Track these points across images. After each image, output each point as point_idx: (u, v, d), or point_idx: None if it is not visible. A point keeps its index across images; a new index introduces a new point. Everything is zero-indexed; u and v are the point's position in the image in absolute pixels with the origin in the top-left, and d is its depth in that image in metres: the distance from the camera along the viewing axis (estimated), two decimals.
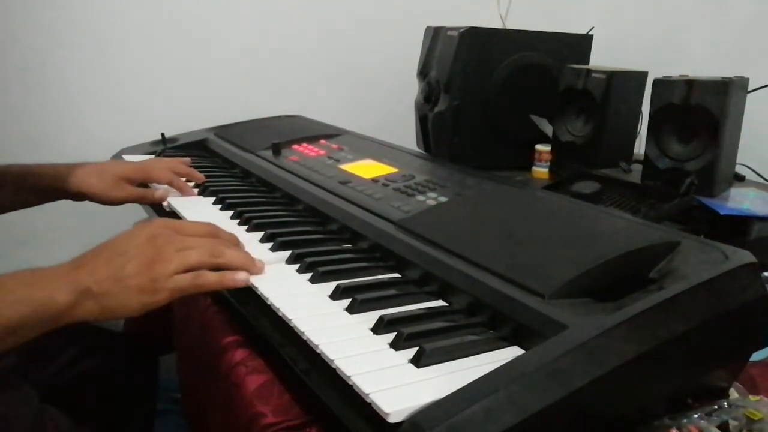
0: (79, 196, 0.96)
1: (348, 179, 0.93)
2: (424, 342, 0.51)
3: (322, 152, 1.11)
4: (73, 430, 0.81)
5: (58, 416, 0.80)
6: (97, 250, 0.63)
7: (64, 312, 0.57)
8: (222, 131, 1.35)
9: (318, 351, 0.52)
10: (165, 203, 0.96)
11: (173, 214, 0.92)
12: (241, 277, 0.65)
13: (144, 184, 1.01)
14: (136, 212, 1.08)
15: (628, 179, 1.04)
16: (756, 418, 0.53)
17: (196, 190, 1.01)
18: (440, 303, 0.63)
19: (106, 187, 0.94)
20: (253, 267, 0.67)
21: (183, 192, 0.99)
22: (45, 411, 0.79)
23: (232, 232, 0.72)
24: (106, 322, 0.61)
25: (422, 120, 1.29)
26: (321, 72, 1.65)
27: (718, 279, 0.55)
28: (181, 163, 1.05)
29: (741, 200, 0.95)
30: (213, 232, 0.69)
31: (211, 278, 0.64)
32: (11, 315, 0.55)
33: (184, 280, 0.62)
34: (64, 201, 0.98)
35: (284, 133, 1.24)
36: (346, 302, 0.61)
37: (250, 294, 0.66)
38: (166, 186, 0.99)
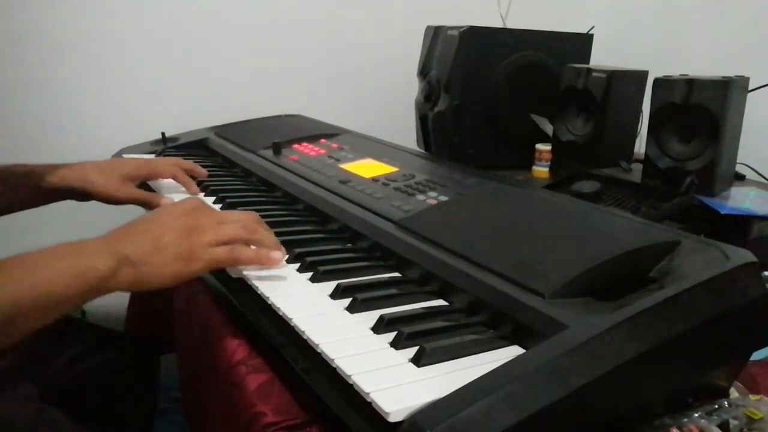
0: (84, 195, 0.95)
1: (348, 179, 0.93)
2: (424, 341, 0.51)
3: (322, 152, 1.11)
4: (74, 429, 0.81)
5: (58, 416, 0.81)
6: (133, 222, 0.64)
7: (105, 279, 0.57)
8: (222, 130, 1.35)
9: (318, 350, 0.52)
10: None
11: None
12: (276, 256, 0.67)
13: (148, 187, 1.01)
14: (135, 210, 1.08)
15: (628, 178, 1.04)
16: (756, 418, 0.53)
17: (199, 189, 1.01)
18: (440, 302, 0.63)
19: (112, 186, 0.94)
20: (279, 248, 0.69)
21: (187, 187, 0.98)
22: (45, 410, 0.79)
23: None
24: (141, 290, 0.62)
25: (422, 119, 1.29)
26: (321, 71, 1.65)
27: (718, 278, 0.55)
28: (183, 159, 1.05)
29: (741, 199, 0.95)
30: (254, 217, 0.71)
31: (248, 253, 0.66)
32: (54, 285, 0.55)
33: (221, 252, 0.64)
34: (68, 205, 0.97)
35: (285, 132, 1.24)
36: (347, 302, 0.61)
37: (250, 293, 0.66)
38: (170, 180, 0.99)
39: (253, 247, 0.68)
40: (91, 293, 0.58)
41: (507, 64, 1.22)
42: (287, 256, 0.71)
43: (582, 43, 1.30)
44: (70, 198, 0.96)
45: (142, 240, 0.61)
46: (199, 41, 1.51)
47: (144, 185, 1.01)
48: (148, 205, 0.97)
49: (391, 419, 0.43)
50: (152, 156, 1.19)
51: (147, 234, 0.61)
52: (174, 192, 0.98)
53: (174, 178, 0.99)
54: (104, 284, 0.58)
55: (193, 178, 1.02)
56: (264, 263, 0.67)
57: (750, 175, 1.12)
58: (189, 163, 1.03)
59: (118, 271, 0.58)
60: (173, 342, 0.98)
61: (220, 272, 0.74)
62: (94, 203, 0.97)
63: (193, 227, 0.63)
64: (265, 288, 0.64)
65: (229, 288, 0.71)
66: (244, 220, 0.68)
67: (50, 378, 0.94)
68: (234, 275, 0.69)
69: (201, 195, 0.99)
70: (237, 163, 1.16)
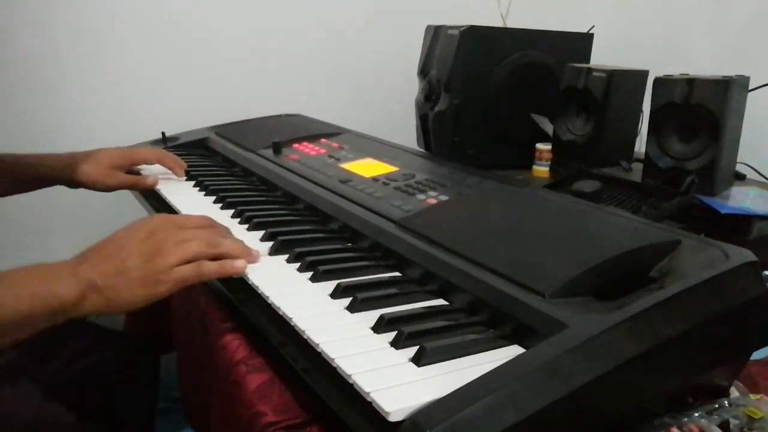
0: (74, 184, 1.01)
1: (348, 178, 0.93)
2: (424, 341, 0.51)
3: (322, 151, 1.11)
4: (73, 428, 0.81)
5: (58, 414, 0.81)
6: (98, 246, 0.64)
7: (71, 306, 0.59)
8: (222, 130, 1.35)
9: (318, 350, 0.52)
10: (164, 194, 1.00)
11: (172, 211, 0.92)
12: (239, 265, 0.67)
13: (136, 171, 1.07)
14: (135, 210, 1.08)
15: (628, 178, 1.04)
16: (757, 417, 0.53)
17: (184, 176, 1.07)
18: (441, 302, 0.63)
19: (100, 175, 1.00)
20: (249, 256, 0.69)
21: (172, 168, 1.05)
22: (45, 409, 0.79)
23: (225, 225, 0.74)
24: (112, 315, 0.62)
25: (423, 119, 1.29)
26: (321, 71, 1.65)
27: (718, 278, 0.55)
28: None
29: (742, 199, 0.95)
30: (208, 224, 0.71)
31: (212, 267, 0.66)
32: (19, 309, 0.56)
33: (187, 270, 0.64)
34: (63, 199, 1.01)
35: (285, 132, 1.24)
36: (347, 301, 0.61)
37: (250, 293, 0.66)
38: (156, 165, 1.05)
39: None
40: (57, 317, 0.59)
41: (507, 64, 1.22)
42: (260, 251, 0.72)
43: (582, 42, 1.30)
44: (59, 184, 1.02)
45: (107, 266, 0.61)
46: (199, 41, 1.51)
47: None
48: (136, 188, 1.04)
49: (392, 419, 0.43)
50: None
51: (111, 260, 0.62)
52: (160, 177, 1.04)
53: (160, 163, 1.05)
54: (70, 311, 0.59)
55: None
56: (228, 274, 0.67)
57: (750, 174, 1.12)
58: (172, 156, 1.09)
59: (84, 297, 0.59)
60: (173, 341, 0.98)
61: None
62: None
63: (156, 250, 0.63)
64: (265, 287, 0.64)
65: (229, 287, 0.71)
66: (207, 236, 0.68)
67: (50, 376, 0.95)
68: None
69: (190, 184, 1.04)
70: (237, 162, 1.16)
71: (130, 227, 0.67)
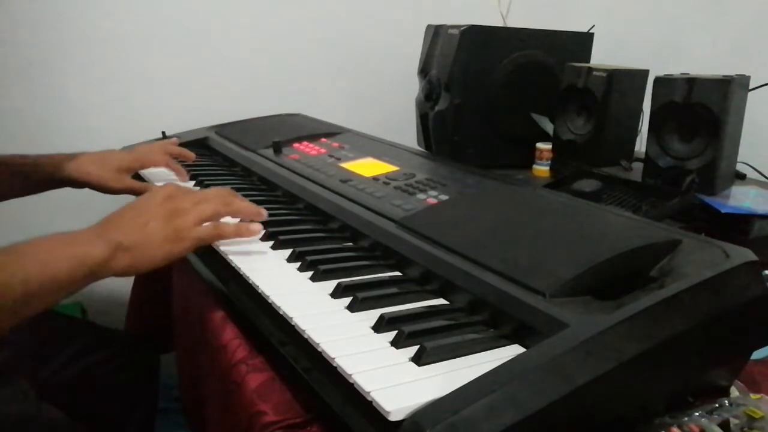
0: (79, 184, 1.01)
1: (349, 178, 0.93)
2: (424, 340, 0.51)
3: (322, 151, 1.11)
4: (73, 428, 0.81)
5: (56, 413, 0.81)
6: (119, 212, 0.69)
7: (102, 265, 0.63)
8: (223, 129, 1.35)
9: (319, 349, 0.52)
10: None
11: None
12: (255, 227, 0.74)
13: (142, 177, 1.07)
14: None
15: (628, 177, 1.04)
16: (757, 417, 0.53)
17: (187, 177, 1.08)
18: (441, 301, 0.63)
19: (106, 177, 1.00)
20: (259, 215, 0.76)
21: (178, 175, 1.05)
22: (43, 408, 0.79)
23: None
24: (138, 273, 0.68)
25: (423, 118, 1.29)
26: (322, 70, 1.65)
27: (719, 277, 0.55)
28: (171, 143, 1.13)
29: (742, 199, 0.95)
30: (228, 191, 0.77)
31: (229, 228, 0.72)
32: (59, 270, 0.60)
33: (205, 230, 0.70)
34: (66, 200, 1.00)
35: (285, 131, 1.24)
36: (347, 300, 0.61)
37: (250, 292, 0.66)
38: (163, 169, 1.06)
39: (234, 221, 0.75)
40: (92, 277, 0.63)
41: (507, 63, 1.22)
42: (264, 231, 0.77)
43: (583, 42, 1.30)
44: (67, 186, 1.02)
45: (130, 227, 0.66)
46: (199, 40, 1.51)
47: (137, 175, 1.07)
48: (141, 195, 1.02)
49: (392, 418, 0.43)
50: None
51: (134, 222, 0.67)
52: (165, 180, 1.04)
53: (167, 167, 1.06)
54: (103, 269, 0.63)
55: (186, 165, 1.10)
56: (245, 235, 0.73)
57: (751, 174, 1.12)
58: (177, 148, 1.11)
59: (113, 256, 0.64)
60: (173, 341, 0.98)
61: (220, 272, 0.74)
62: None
63: (175, 211, 0.69)
64: (265, 287, 0.64)
65: (229, 287, 0.71)
66: (221, 196, 0.73)
67: (49, 376, 0.95)
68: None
69: (191, 183, 1.05)
70: (237, 162, 1.16)
71: (146, 195, 0.72)
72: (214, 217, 0.72)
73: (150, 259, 0.67)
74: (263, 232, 0.76)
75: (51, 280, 0.59)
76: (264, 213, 0.77)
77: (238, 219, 0.77)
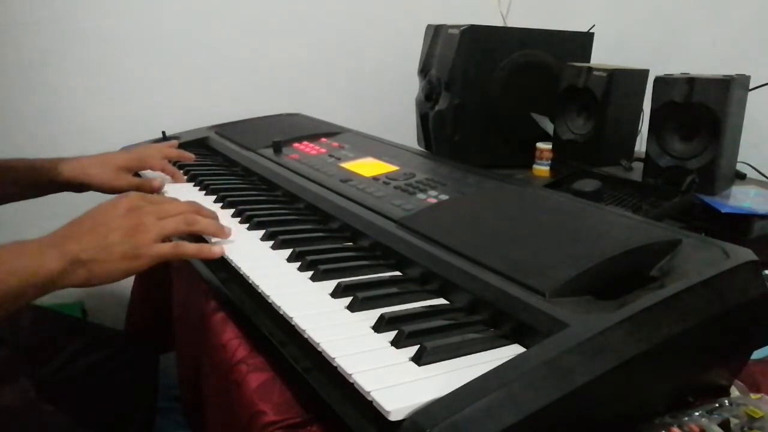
0: (81, 187, 1.01)
1: (349, 177, 0.93)
2: (425, 340, 0.51)
3: (322, 150, 1.11)
4: (73, 427, 0.81)
5: (56, 413, 0.81)
6: (78, 222, 0.67)
7: (56, 279, 0.62)
8: (223, 129, 1.35)
9: (319, 349, 0.52)
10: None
11: None
12: (216, 250, 0.71)
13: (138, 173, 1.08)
14: None
15: (629, 177, 1.04)
16: (757, 416, 0.53)
17: (185, 178, 1.08)
18: (441, 301, 0.63)
19: (108, 177, 1.01)
20: (222, 233, 0.74)
21: (174, 177, 1.06)
22: (42, 407, 0.79)
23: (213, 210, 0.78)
24: (93, 286, 0.66)
25: (423, 118, 1.29)
26: (322, 70, 1.65)
27: (719, 277, 0.55)
28: (170, 146, 1.13)
29: (742, 198, 0.95)
30: (193, 207, 0.74)
31: (190, 248, 0.70)
32: (9, 284, 0.59)
33: (165, 248, 0.68)
34: (65, 201, 1.00)
35: (285, 131, 1.23)
36: (347, 300, 0.61)
37: (251, 292, 0.66)
38: (160, 173, 1.06)
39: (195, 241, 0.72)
40: (43, 290, 0.62)
41: (508, 63, 1.22)
42: (232, 231, 0.76)
43: (583, 41, 1.30)
44: (68, 190, 1.02)
45: (89, 240, 0.64)
46: (199, 40, 1.51)
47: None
48: (142, 189, 1.03)
49: (392, 418, 0.43)
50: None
51: (94, 233, 0.65)
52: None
53: (163, 171, 1.06)
54: (55, 283, 0.62)
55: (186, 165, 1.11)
56: (206, 257, 0.71)
57: (751, 173, 1.12)
58: (176, 151, 1.11)
59: (68, 270, 0.62)
60: (173, 341, 0.98)
61: (220, 272, 0.74)
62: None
63: (136, 226, 0.67)
64: (265, 287, 0.64)
65: (229, 287, 0.71)
66: (184, 213, 0.71)
67: (49, 375, 0.95)
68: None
69: (190, 185, 1.05)
70: (237, 162, 1.16)
71: (107, 204, 0.69)
72: (175, 234, 0.70)
73: (107, 273, 0.65)
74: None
75: (11, 291, 0.59)
76: (228, 231, 0.75)
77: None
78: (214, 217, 0.76)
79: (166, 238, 0.69)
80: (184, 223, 0.71)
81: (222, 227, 0.75)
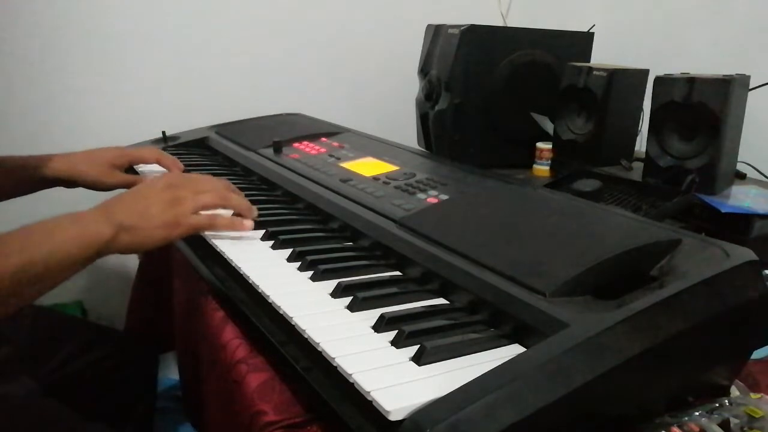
0: (71, 183, 1.01)
1: (349, 177, 0.93)
2: (425, 340, 0.51)
3: (322, 150, 1.11)
4: (72, 425, 0.82)
5: (57, 411, 0.81)
6: (121, 196, 0.73)
7: (107, 243, 0.67)
8: (223, 129, 1.35)
9: (319, 349, 0.52)
10: None
11: None
12: (248, 224, 0.78)
13: (134, 171, 1.07)
14: None
15: (629, 177, 1.04)
16: (757, 416, 0.53)
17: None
18: (441, 301, 0.63)
19: (98, 173, 1.01)
20: (250, 212, 0.80)
21: (170, 168, 1.05)
22: (44, 406, 0.79)
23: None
24: (137, 252, 0.74)
25: (423, 118, 1.29)
26: (322, 70, 1.65)
27: (719, 277, 0.55)
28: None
29: (742, 198, 0.95)
30: (226, 184, 0.81)
31: (224, 219, 0.77)
32: (72, 248, 0.65)
33: (202, 218, 0.75)
34: (60, 199, 1.00)
35: (285, 131, 1.23)
36: (347, 300, 0.61)
37: (251, 292, 0.66)
38: (153, 165, 1.06)
39: (228, 213, 0.78)
40: (97, 255, 0.67)
41: (508, 63, 1.22)
42: (255, 225, 0.79)
43: (583, 41, 1.30)
44: (59, 186, 1.02)
45: (132, 210, 0.71)
46: (199, 40, 1.51)
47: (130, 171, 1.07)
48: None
49: (392, 418, 0.43)
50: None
51: (136, 205, 0.71)
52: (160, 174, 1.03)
53: (158, 162, 1.06)
54: (107, 247, 0.68)
55: (186, 165, 1.08)
56: (238, 228, 0.78)
57: (751, 173, 1.12)
58: (170, 158, 1.08)
59: (116, 236, 0.68)
60: (173, 340, 0.98)
61: (220, 271, 0.74)
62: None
63: (175, 199, 0.73)
64: (265, 286, 0.64)
65: (230, 287, 0.71)
66: (218, 189, 0.78)
67: (50, 373, 0.95)
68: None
69: None
70: (237, 161, 1.16)
71: (147, 182, 0.77)
72: (211, 208, 0.76)
73: (149, 239, 0.71)
74: (253, 227, 0.79)
75: (64, 259, 0.64)
76: (256, 211, 0.81)
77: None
78: (235, 189, 0.82)
79: (202, 211, 0.75)
80: (219, 198, 0.77)
81: (251, 206, 0.80)
